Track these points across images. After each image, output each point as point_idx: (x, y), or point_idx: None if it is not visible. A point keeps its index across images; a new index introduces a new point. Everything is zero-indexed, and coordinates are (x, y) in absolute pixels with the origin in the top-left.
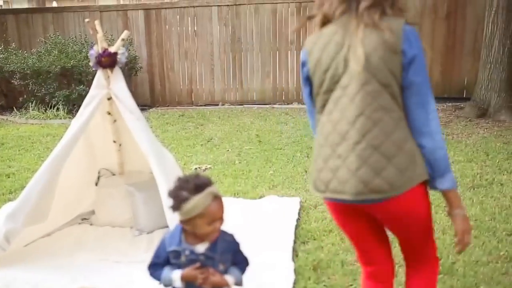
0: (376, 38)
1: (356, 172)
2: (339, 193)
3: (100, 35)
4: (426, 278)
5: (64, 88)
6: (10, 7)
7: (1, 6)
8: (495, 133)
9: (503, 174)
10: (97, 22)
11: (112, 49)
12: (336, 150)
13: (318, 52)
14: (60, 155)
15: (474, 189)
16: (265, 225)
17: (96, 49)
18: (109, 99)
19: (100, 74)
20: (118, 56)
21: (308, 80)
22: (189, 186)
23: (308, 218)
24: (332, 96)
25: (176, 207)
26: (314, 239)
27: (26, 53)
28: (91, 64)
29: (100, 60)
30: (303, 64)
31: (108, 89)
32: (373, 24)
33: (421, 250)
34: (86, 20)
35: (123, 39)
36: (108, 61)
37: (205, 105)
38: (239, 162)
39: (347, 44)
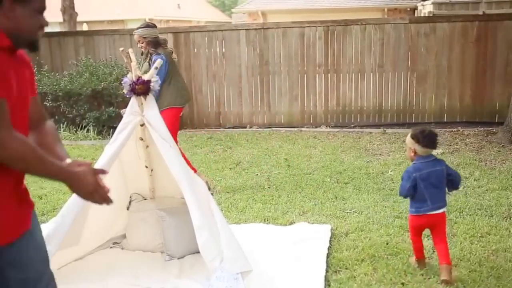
0: None
1: None
2: None
3: (134, 63)
4: None
5: (94, 110)
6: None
7: None
8: None
9: None
10: (130, 51)
11: (145, 77)
12: None
13: None
14: None
15: (510, 218)
16: (296, 253)
17: (130, 77)
18: (142, 125)
19: (133, 101)
20: (152, 84)
21: None
22: None
23: (340, 246)
24: None
25: None
26: (346, 268)
27: (58, 75)
28: (124, 91)
29: (134, 87)
30: None
31: (142, 116)
32: None
33: None
34: (121, 48)
35: (156, 68)
36: (142, 88)
37: (233, 128)
38: (268, 187)
39: None
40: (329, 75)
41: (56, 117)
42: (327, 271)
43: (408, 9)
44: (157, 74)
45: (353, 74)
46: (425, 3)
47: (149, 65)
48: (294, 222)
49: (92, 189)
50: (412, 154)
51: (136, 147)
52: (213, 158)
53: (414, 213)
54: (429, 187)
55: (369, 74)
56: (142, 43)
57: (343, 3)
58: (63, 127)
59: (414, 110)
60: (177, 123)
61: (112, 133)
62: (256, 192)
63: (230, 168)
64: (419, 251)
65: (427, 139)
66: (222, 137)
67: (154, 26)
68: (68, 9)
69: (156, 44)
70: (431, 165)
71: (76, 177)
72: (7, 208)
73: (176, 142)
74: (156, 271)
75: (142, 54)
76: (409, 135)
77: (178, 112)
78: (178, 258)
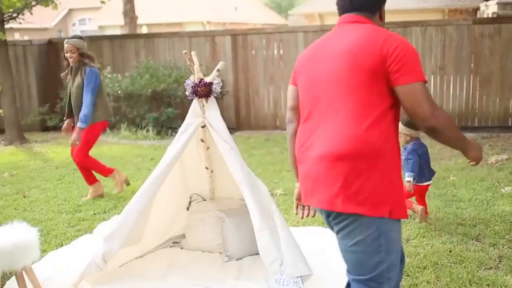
0: None
1: None
2: None
3: (196, 65)
4: None
5: (154, 111)
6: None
7: (95, 31)
8: None
9: None
10: (193, 53)
11: (207, 79)
12: None
13: None
14: (157, 180)
15: None
16: None
17: (192, 79)
18: (203, 127)
19: (195, 103)
20: (214, 86)
21: None
22: None
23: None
24: None
25: None
26: (407, 276)
27: (119, 76)
28: (187, 93)
29: (196, 90)
30: None
31: (203, 117)
32: None
33: None
34: (184, 51)
35: (218, 70)
36: (204, 91)
37: None
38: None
39: None
40: None
41: (117, 117)
42: None
43: (470, 9)
44: (90, 85)
45: None
46: (488, 3)
47: (82, 78)
48: None
49: (481, 157)
50: (408, 138)
51: (198, 148)
52: (270, 160)
53: (416, 183)
54: (425, 163)
55: (429, 76)
56: (73, 53)
57: (402, 4)
58: (123, 127)
59: (477, 113)
60: (98, 137)
61: (171, 134)
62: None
63: (288, 171)
64: (409, 203)
65: (413, 124)
66: (279, 139)
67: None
68: (129, 12)
69: (89, 56)
70: (423, 146)
71: (479, 146)
72: (401, 187)
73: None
74: (215, 272)
75: (68, 66)
76: (401, 124)
77: (106, 126)
78: (237, 259)
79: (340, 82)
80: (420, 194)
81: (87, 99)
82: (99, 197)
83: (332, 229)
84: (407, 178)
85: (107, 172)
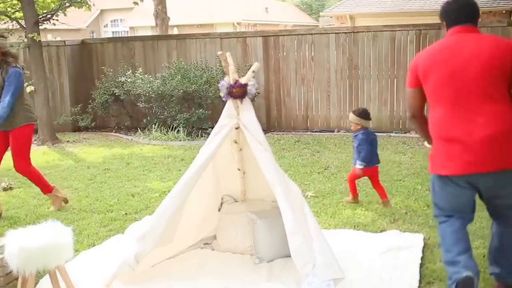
0: None
1: None
2: None
3: (231, 66)
4: None
5: (185, 112)
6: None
7: (127, 32)
8: None
9: None
10: (228, 54)
11: (242, 81)
12: None
13: None
14: (189, 180)
15: None
16: (387, 261)
17: (227, 80)
18: (237, 128)
19: (230, 104)
20: (249, 87)
21: None
22: None
23: (433, 257)
24: None
25: None
26: (440, 280)
27: (151, 77)
28: (221, 94)
29: (231, 91)
30: None
31: (238, 119)
32: None
33: None
34: (219, 52)
35: (253, 71)
36: (239, 92)
37: (320, 131)
38: (358, 193)
39: None
40: None
41: (148, 117)
42: (420, 282)
43: (504, 11)
44: (13, 86)
45: None
46: None
47: (3, 77)
48: (385, 230)
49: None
50: (359, 127)
51: (231, 149)
52: (301, 161)
53: (366, 166)
54: (374, 148)
55: None
56: None
57: (435, 5)
58: (154, 128)
59: None
60: (30, 142)
61: (201, 135)
62: (346, 197)
63: (319, 173)
64: (355, 190)
65: (369, 115)
66: (309, 141)
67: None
68: (161, 14)
69: (12, 55)
70: (372, 134)
71: None
72: None
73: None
74: (246, 274)
75: None
76: (353, 114)
77: (32, 129)
78: (268, 261)
79: (488, 76)
80: (373, 175)
81: (5, 101)
82: (65, 203)
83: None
84: (359, 166)
85: (46, 188)
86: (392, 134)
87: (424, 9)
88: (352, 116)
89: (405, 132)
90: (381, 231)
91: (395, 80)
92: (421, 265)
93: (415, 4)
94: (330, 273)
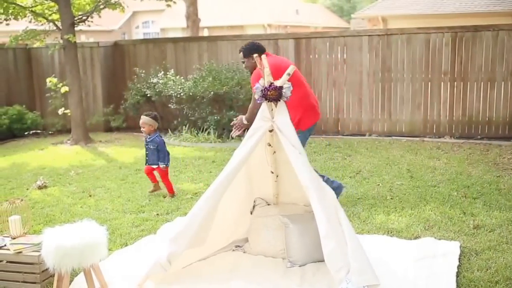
0: None
1: None
2: None
3: (267, 69)
4: None
5: (215, 113)
6: (166, 36)
7: (158, 34)
8: None
9: None
10: (263, 57)
11: (277, 83)
12: None
13: None
14: (223, 183)
15: None
16: (423, 269)
17: (262, 83)
18: (271, 131)
19: (265, 107)
20: (284, 90)
21: None
22: None
23: (470, 265)
24: None
25: None
26: None
27: (182, 78)
28: (256, 97)
29: (266, 93)
30: None
31: (272, 122)
32: None
33: None
34: (255, 55)
35: (288, 74)
36: (274, 94)
37: (351, 135)
38: (391, 198)
39: None
40: (455, 83)
41: (179, 119)
42: None
43: None
44: None
45: (482, 83)
46: None
47: None
48: (420, 237)
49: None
50: (152, 129)
51: (264, 152)
52: (333, 165)
53: (167, 165)
54: (164, 149)
55: (500, 83)
56: None
57: (470, 7)
58: (185, 129)
59: None
60: None
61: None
62: (378, 202)
63: (350, 177)
64: (156, 180)
65: (159, 118)
66: (340, 144)
67: None
68: (192, 15)
69: None
70: (159, 135)
71: None
72: None
73: None
74: (278, 278)
75: None
76: (148, 118)
77: None
78: (300, 266)
79: None
80: (166, 174)
81: None
82: None
83: None
84: (163, 165)
85: None
86: (425, 139)
87: (458, 11)
88: (147, 119)
89: (439, 137)
90: (415, 237)
91: (429, 83)
92: (458, 274)
93: (449, 6)
94: (364, 279)
